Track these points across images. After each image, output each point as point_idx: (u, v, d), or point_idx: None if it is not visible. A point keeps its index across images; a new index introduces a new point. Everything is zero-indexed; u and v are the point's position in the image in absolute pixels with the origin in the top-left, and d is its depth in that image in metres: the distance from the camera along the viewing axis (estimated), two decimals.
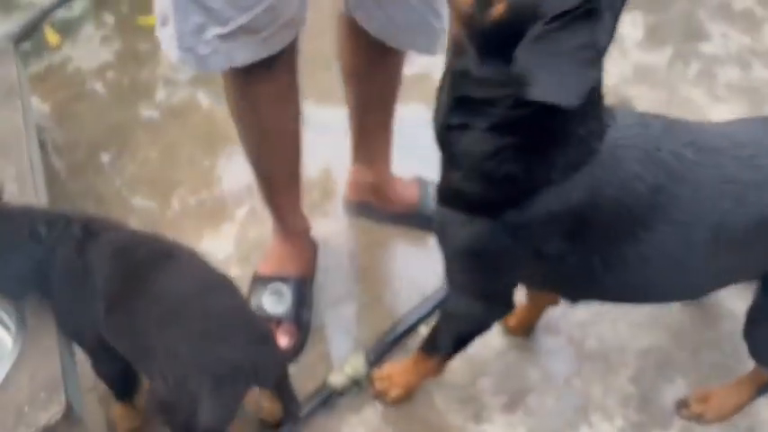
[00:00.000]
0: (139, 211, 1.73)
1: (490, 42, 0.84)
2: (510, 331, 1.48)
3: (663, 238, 0.98)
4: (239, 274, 1.56)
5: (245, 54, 1.10)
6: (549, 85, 0.79)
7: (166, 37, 1.11)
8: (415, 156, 1.81)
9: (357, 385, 1.39)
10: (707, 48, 2.06)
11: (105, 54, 2.13)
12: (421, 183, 1.69)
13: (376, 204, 1.65)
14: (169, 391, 1.02)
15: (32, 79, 2.04)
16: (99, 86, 2.05)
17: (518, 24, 0.79)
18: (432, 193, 1.65)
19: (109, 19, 2.24)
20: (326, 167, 1.80)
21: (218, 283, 1.14)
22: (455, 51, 0.90)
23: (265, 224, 1.54)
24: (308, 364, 1.43)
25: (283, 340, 1.42)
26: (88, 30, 2.23)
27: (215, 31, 1.06)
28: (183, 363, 1.01)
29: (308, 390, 1.38)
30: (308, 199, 1.71)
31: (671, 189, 0.96)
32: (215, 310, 1.06)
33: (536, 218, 0.97)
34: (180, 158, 1.84)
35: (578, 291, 1.15)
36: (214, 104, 1.96)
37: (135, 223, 1.69)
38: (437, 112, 0.99)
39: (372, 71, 1.41)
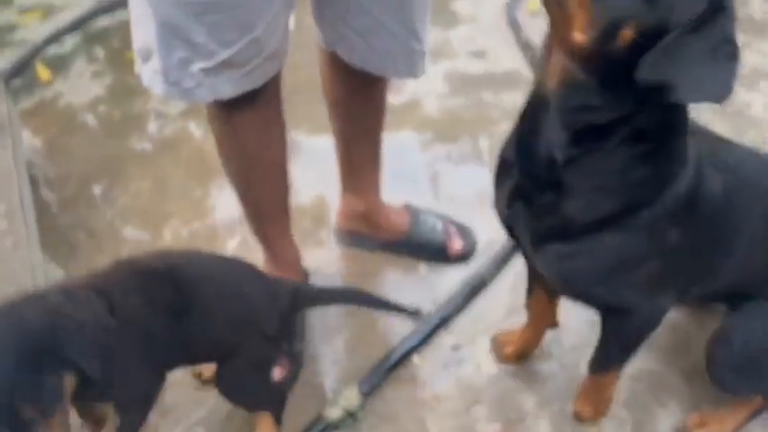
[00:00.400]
0: (131, 242, 1.73)
1: (615, 69, 0.85)
2: (506, 359, 1.47)
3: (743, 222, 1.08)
4: None
5: (229, 87, 1.11)
6: (697, 86, 0.82)
7: (149, 72, 1.12)
8: (406, 182, 1.84)
9: (351, 417, 1.38)
10: None
11: (96, 88, 2.15)
12: (411, 210, 1.70)
13: (367, 233, 1.66)
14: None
15: (24, 114, 2.05)
16: (90, 119, 2.07)
17: (645, 44, 0.81)
18: (422, 219, 1.68)
19: (100, 53, 2.27)
20: (318, 196, 1.81)
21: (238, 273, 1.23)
22: (566, 87, 0.90)
23: (257, 255, 1.54)
24: (302, 396, 1.42)
25: (275, 373, 1.41)
26: (80, 65, 2.25)
27: (199, 65, 1.07)
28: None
29: (302, 422, 1.37)
30: (300, 227, 1.72)
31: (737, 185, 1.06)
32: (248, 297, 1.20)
33: (667, 210, 1.00)
34: (171, 190, 1.85)
35: (698, 281, 1.15)
36: (205, 136, 1.97)
37: (132, 251, 1.68)
38: (535, 154, 0.97)
39: (356, 101, 1.43)
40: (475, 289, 1.58)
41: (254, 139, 1.26)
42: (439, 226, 1.68)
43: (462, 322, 1.54)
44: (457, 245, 1.66)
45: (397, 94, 2.08)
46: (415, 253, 1.66)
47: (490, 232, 1.71)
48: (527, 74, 2.19)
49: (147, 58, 1.11)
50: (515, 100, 2.10)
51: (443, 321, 1.52)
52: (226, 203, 1.78)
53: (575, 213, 0.99)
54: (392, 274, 1.65)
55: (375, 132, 1.51)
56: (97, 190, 1.86)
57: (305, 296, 1.33)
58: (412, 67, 1.27)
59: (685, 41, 0.80)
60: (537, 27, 2.36)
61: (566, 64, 0.89)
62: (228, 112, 1.20)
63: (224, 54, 1.07)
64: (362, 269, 1.66)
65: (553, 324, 1.43)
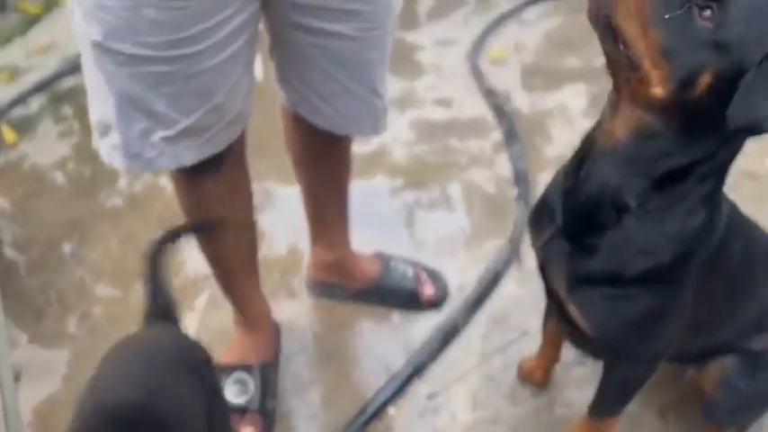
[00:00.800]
0: (103, 300, 1.70)
1: (694, 114, 0.88)
2: (539, 384, 1.49)
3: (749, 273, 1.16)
4: None
5: (191, 154, 1.11)
6: None
7: (108, 147, 1.10)
8: (377, 229, 1.85)
9: None
10: None
11: (63, 148, 2.15)
12: (381, 257, 1.70)
13: (338, 283, 1.65)
14: None
15: None
16: (59, 178, 2.05)
17: (724, 87, 0.84)
18: (393, 266, 1.68)
19: (66, 113, 2.27)
20: (291, 245, 1.81)
21: None
22: (641, 137, 0.93)
23: (226, 311, 1.53)
24: None
25: (248, 431, 1.39)
26: (46, 125, 2.25)
27: (161, 134, 1.06)
28: None
29: None
30: (271, 279, 1.71)
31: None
32: None
33: (705, 260, 1.04)
34: (142, 246, 1.83)
35: (702, 329, 1.19)
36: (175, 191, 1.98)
37: (99, 313, 1.66)
38: (591, 199, 0.99)
39: (321, 158, 1.44)
40: (448, 335, 1.58)
41: (222, 204, 1.25)
42: (410, 272, 1.68)
43: (436, 370, 1.53)
44: (428, 291, 1.66)
45: (365, 144, 2.11)
46: (386, 301, 1.66)
47: (461, 277, 1.73)
48: (491, 120, 2.23)
49: (105, 132, 1.09)
50: (481, 146, 2.14)
51: (417, 370, 1.51)
52: (195, 259, 1.77)
53: (629, 259, 1.01)
54: (365, 324, 1.64)
55: (341, 185, 1.52)
56: (67, 248, 1.84)
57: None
58: (376, 125, 1.28)
59: (764, 76, 0.83)
60: (499, 75, 2.43)
61: (641, 116, 0.91)
62: (194, 179, 1.19)
63: (185, 122, 1.06)
64: (334, 320, 1.65)
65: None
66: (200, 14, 0.97)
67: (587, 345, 1.23)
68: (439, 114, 2.27)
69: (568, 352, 1.53)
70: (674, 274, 1.03)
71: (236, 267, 1.39)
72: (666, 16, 0.85)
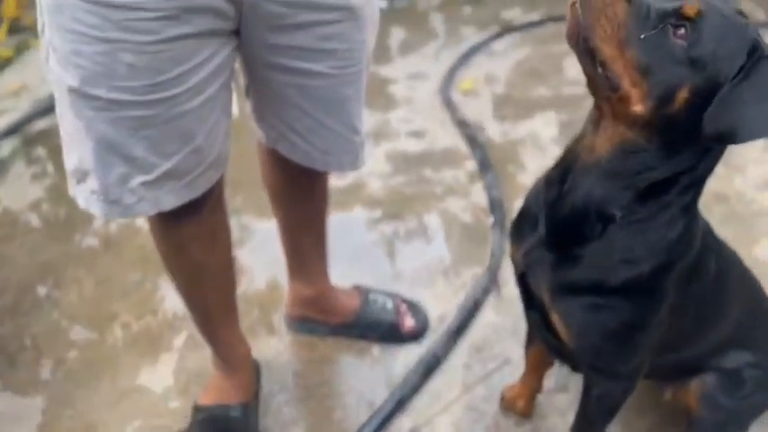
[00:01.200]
0: (79, 343, 1.67)
1: (674, 128, 0.92)
2: (522, 413, 1.48)
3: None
4: (179, 406, 1.51)
5: (171, 198, 1.09)
6: (757, 125, 0.90)
7: (85, 193, 1.09)
8: (355, 262, 1.85)
9: None
10: None
11: (37, 190, 2.12)
12: (360, 290, 1.70)
13: (317, 318, 1.64)
14: None
15: None
16: (33, 220, 2.03)
17: (701, 102, 0.89)
18: (372, 299, 1.68)
19: (39, 156, 2.25)
20: (269, 281, 1.80)
21: None
22: (624, 152, 0.96)
23: (204, 351, 1.51)
24: None
25: None
26: (19, 168, 2.23)
27: (140, 179, 1.05)
28: None
29: None
30: (249, 316, 1.70)
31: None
32: None
33: (686, 271, 1.07)
34: (118, 287, 1.81)
35: (678, 340, 1.21)
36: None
37: (74, 357, 1.63)
38: (575, 210, 1.02)
39: (298, 192, 1.44)
40: (429, 367, 1.57)
41: (201, 249, 1.23)
42: (389, 305, 1.68)
43: (419, 402, 1.52)
44: (408, 323, 1.66)
45: (341, 177, 2.12)
46: (367, 334, 1.65)
47: (441, 307, 1.73)
48: (464, 150, 2.26)
49: (82, 179, 1.07)
50: (456, 175, 2.17)
51: (400, 405, 1.50)
52: (172, 298, 1.75)
53: (612, 269, 1.03)
54: (345, 359, 1.63)
55: (319, 219, 1.52)
56: (41, 292, 1.81)
57: None
58: (354, 160, 1.29)
59: (738, 91, 0.88)
60: (470, 105, 2.47)
61: (622, 132, 0.95)
62: (172, 224, 1.17)
63: (165, 166, 1.05)
64: (315, 356, 1.63)
65: (551, 365, 1.45)
66: (178, 58, 0.98)
67: (568, 357, 1.23)
68: (413, 146, 2.29)
69: (550, 379, 1.53)
70: (655, 284, 1.05)
71: (215, 310, 1.38)
72: (642, 36, 0.89)
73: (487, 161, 2.17)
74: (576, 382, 1.52)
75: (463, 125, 2.34)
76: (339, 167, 1.30)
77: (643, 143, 0.95)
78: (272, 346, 1.65)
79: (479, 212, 2.02)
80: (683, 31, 0.89)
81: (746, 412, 1.33)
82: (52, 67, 1.00)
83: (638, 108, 0.91)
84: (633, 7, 0.89)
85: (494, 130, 2.36)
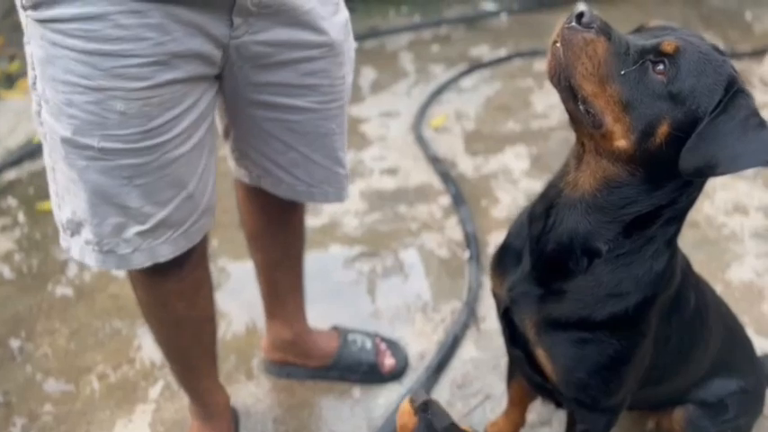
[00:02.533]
0: (54, 397, 1.63)
1: (657, 162, 0.94)
2: None
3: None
4: None
5: (168, 248, 1.09)
6: (736, 157, 0.91)
7: (79, 245, 1.08)
8: (333, 301, 1.84)
9: None
10: None
11: (6, 242, 2.09)
12: (339, 331, 1.69)
13: (296, 362, 1.62)
14: None
15: None
16: (5, 272, 1.99)
17: (681, 135, 0.91)
18: (351, 339, 1.66)
19: (9, 207, 2.22)
20: (247, 325, 1.78)
21: None
22: (608, 187, 0.98)
23: (182, 401, 1.48)
24: None
25: None
26: None
27: (135, 229, 1.05)
28: None
29: None
30: (227, 363, 1.67)
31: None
32: None
33: (671, 297, 1.09)
34: (92, 337, 1.78)
35: (658, 373, 1.20)
36: (126, 278, 1.93)
37: (48, 411, 1.58)
38: (560, 246, 1.03)
39: (276, 232, 1.44)
40: None
41: (184, 304, 1.23)
42: (368, 344, 1.67)
43: None
44: (389, 362, 1.65)
45: (317, 216, 2.13)
46: (346, 376, 1.63)
47: (420, 344, 1.72)
48: (438, 185, 2.29)
49: (76, 230, 1.07)
50: (430, 211, 2.18)
51: None
52: (148, 348, 1.72)
53: (598, 303, 1.04)
54: (325, 402, 1.60)
55: (296, 259, 1.52)
56: (14, 344, 1.77)
57: None
58: (339, 192, 1.30)
59: (716, 124, 0.91)
60: (442, 142, 2.51)
61: (606, 167, 0.97)
62: (157, 280, 1.17)
63: (160, 214, 1.05)
64: (294, 401, 1.61)
65: (533, 399, 1.44)
66: (168, 103, 0.99)
67: (552, 393, 1.23)
68: (387, 183, 2.31)
69: (534, 413, 1.52)
70: (640, 317, 1.06)
71: (195, 361, 1.36)
72: (623, 72, 0.92)
73: (461, 196, 2.19)
74: (559, 416, 1.52)
75: (436, 161, 2.37)
76: (324, 199, 1.31)
77: (627, 177, 0.97)
78: (251, 392, 1.62)
79: (455, 247, 2.03)
80: (661, 66, 0.91)
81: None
82: (45, 119, 1.00)
83: (621, 143, 0.93)
84: (613, 45, 0.92)
85: (466, 165, 2.39)
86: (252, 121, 1.16)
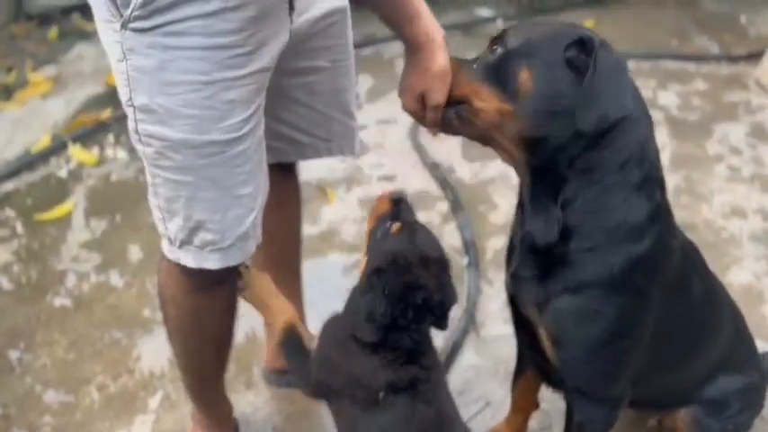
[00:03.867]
0: (53, 409, 1.62)
1: (552, 110, 1.04)
2: None
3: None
4: None
5: (261, 230, 1.15)
6: (618, 101, 1.02)
7: (193, 252, 1.11)
8: (331, 309, 1.83)
9: None
10: None
11: (4, 254, 2.08)
12: None
13: None
14: None
15: None
16: (4, 284, 1.98)
17: (549, 79, 1.04)
18: None
19: (8, 218, 2.22)
20: (247, 334, 1.78)
21: None
22: (528, 153, 1.08)
23: (181, 411, 1.48)
24: None
25: None
26: None
27: (251, 216, 1.11)
28: None
29: None
30: (228, 372, 1.65)
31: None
32: None
33: (669, 281, 1.13)
34: (91, 347, 1.77)
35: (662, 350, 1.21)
36: (124, 288, 1.94)
37: (47, 423, 1.58)
38: (536, 225, 1.09)
39: (274, 224, 1.44)
40: None
41: (216, 321, 1.27)
42: None
43: None
44: None
45: (315, 224, 2.13)
46: None
47: None
48: (436, 192, 2.29)
49: (190, 237, 1.09)
50: (428, 217, 2.18)
51: None
52: (148, 357, 1.72)
53: (581, 257, 1.07)
54: (326, 410, 1.58)
55: (293, 261, 1.53)
56: (13, 356, 1.76)
57: None
58: (352, 146, 1.39)
59: (593, 83, 1.00)
60: (440, 148, 2.51)
61: (520, 157, 1.08)
62: (201, 296, 1.20)
63: (260, 198, 1.12)
64: (295, 409, 1.60)
65: (537, 406, 1.45)
66: (257, 90, 1.05)
67: (558, 381, 1.24)
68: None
69: (533, 419, 1.52)
70: (633, 281, 1.08)
71: (210, 373, 1.38)
72: (474, 66, 1.10)
73: (459, 202, 2.19)
74: (559, 421, 1.51)
75: (434, 167, 2.37)
76: (340, 152, 1.40)
77: (537, 136, 1.05)
78: (251, 401, 1.62)
79: (453, 253, 2.02)
80: (497, 46, 1.08)
81: (734, 430, 1.34)
82: (150, 131, 1.02)
83: (510, 121, 1.05)
84: (463, 64, 1.13)
85: (464, 171, 2.39)
86: (279, 91, 1.22)
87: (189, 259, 1.12)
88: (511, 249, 1.22)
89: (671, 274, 1.12)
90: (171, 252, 1.14)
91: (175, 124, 1.00)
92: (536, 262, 1.12)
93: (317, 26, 1.20)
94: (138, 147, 1.06)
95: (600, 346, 1.11)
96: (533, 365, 1.31)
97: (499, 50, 1.07)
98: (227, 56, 0.98)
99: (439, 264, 1.14)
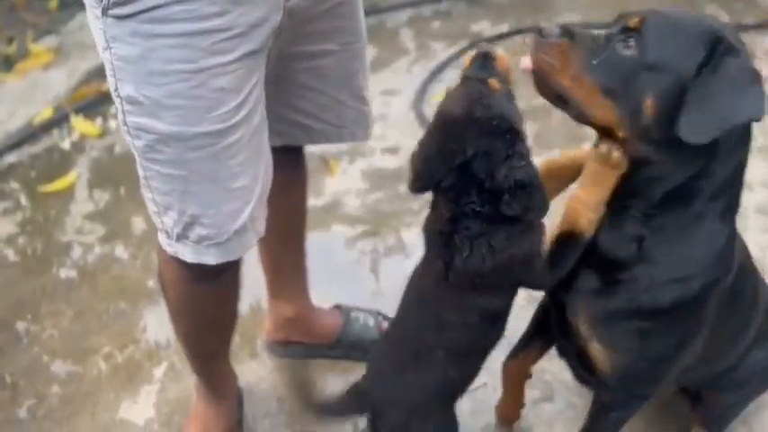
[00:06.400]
0: (61, 378, 1.64)
1: (665, 133, 0.92)
2: (506, 422, 1.49)
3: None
4: None
5: (261, 225, 1.13)
6: (727, 115, 0.89)
7: (190, 246, 1.08)
8: (335, 280, 1.84)
9: None
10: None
11: (9, 225, 2.09)
12: (342, 310, 1.70)
13: (300, 341, 1.63)
14: None
15: None
16: (9, 255, 2.00)
17: (671, 102, 0.89)
18: (354, 317, 1.67)
19: (10, 190, 2.22)
20: (251, 306, 1.78)
21: None
22: (634, 169, 0.97)
23: (186, 381, 1.49)
24: None
25: None
26: None
27: (247, 210, 1.06)
28: None
29: None
30: (232, 343, 1.68)
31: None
32: None
33: (730, 281, 1.07)
34: (97, 318, 1.79)
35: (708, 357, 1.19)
36: (130, 260, 1.95)
37: (55, 392, 1.60)
38: (614, 237, 1.02)
39: (277, 203, 1.43)
40: None
41: (218, 305, 1.26)
42: (371, 322, 1.67)
43: None
44: None
45: (318, 197, 2.12)
46: (350, 354, 1.64)
47: None
48: None
49: (185, 231, 1.06)
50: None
51: None
52: (153, 328, 1.73)
53: (662, 288, 1.01)
54: (329, 381, 1.61)
55: (298, 233, 1.53)
56: (20, 327, 1.78)
57: None
58: (365, 130, 1.35)
59: (705, 85, 0.89)
60: None
61: (627, 152, 0.96)
62: (201, 283, 1.18)
63: (257, 189, 1.08)
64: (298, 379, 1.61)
65: (529, 376, 1.44)
66: (248, 75, 1.00)
67: (596, 383, 1.20)
68: (388, 162, 2.30)
69: (536, 390, 1.53)
70: (703, 302, 1.04)
71: (214, 350, 1.39)
72: (594, 62, 0.91)
73: None
74: (561, 391, 1.53)
75: None
76: (351, 138, 1.36)
77: (647, 156, 0.96)
78: (255, 371, 1.64)
79: None
80: (631, 41, 0.91)
81: (749, 397, 1.37)
82: (138, 124, 0.98)
83: (619, 132, 0.93)
84: (578, 42, 0.93)
85: None
86: (286, 76, 1.19)
87: (187, 254, 1.09)
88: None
89: (730, 284, 1.08)
90: (169, 246, 1.11)
91: (163, 116, 0.96)
92: (600, 275, 1.05)
93: (321, 6, 1.13)
94: (128, 139, 1.02)
95: (659, 358, 1.08)
96: (568, 364, 1.26)
97: (632, 53, 0.91)
98: (213, 41, 0.94)
99: (491, 126, 0.98)
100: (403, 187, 2.19)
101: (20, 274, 1.94)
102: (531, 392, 1.53)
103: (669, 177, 0.97)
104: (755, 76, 0.91)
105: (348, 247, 1.97)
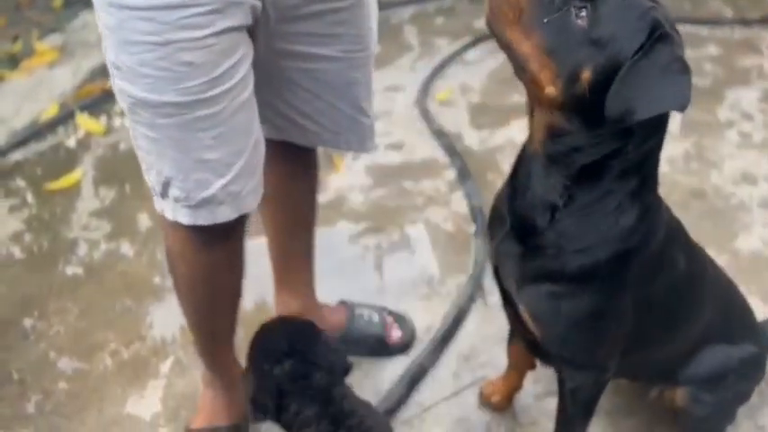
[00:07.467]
0: (67, 374, 1.65)
1: (589, 110, 0.94)
2: (495, 407, 1.50)
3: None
4: None
5: (251, 199, 1.15)
6: (655, 100, 0.92)
7: (170, 204, 1.13)
8: (340, 276, 1.85)
9: None
10: None
11: (16, 222, 2.10)
12: (346, 305, 1.70)
13: None
14: None
15: None
16: (15, 252, 2.01)
17: (606, 81, 0.91)
18: (358, 313, 1.68)
19: (17, 187, 2.24)
20: (256, 301, 1.79)
21: None
22: (553, 137, 1.00)
23: (192, 375, 1.50)
24: None
25: None
26: None
27: (219, 182, 1.09)
28: None
29: None
30: (237, 337, 1.68)
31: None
32: None
33: (648, 260, 1.09)
34: (103, 315, 1.80)
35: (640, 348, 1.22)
36: (136, 257, 1.96)
37: (62, 388, 1.61)
38: (531, 202, 1.06)
39: (286, 194, 1.46)
40: (416, 378, 1.57)
41: (225, 275, 1.28)
42: (375, 318, 1.68)
43: (408, 414, 1.52)
44: (395, 335, 1.66)
45: (322, 193, 2.12)
46: (354, 349, 1.64)
47: (427, 317, 1.73)
48: (443, 159, 2.28)
49: (164, 191, 1.11)
50: (436, 186, 2.18)
51: (387, 415, 1.49)
52: (159, 324, 1.74)
53: (568, 258, 1.06)
54: None
55: (307, 227, 1.53)
56: (27, 324, 1.79)
57: None
58: (363, 142, 1.34)
59: (637, 68, 0.91)
60: (447, 115, 2.49)
61: (548, 117, 0.99)
62: (207, 248, 1.20)
63: (238, 164, 1.10)
64: None
65: (532, 366, 1.46)
66: (227, 51, 1.02)
67: (544, 352, 1.24)
68: (393, 158, 2.30)
69: (540, 383, 1.54)
70: (614, 272, 1.07)
71: (222, 333, 1.40)
72: (546, 20, 0.93)
73: (466, 170, 2.18)
74: None
75: (441, 135, 2.36)
76: (348, 147, 1.36)
77: (565, 126, 0.98)
78: None
79: (461, 221, 2.03)
80: (584, 12, 0.92)
81: (733, 401, 1.36)
82: (121, 87, 1.04)
83: (549, 90, 0.95)
84: None
85: (472, 139, 2.38)
86: (279, 71, 1.19)
87: (168, 212, 1.14)
88: (493, 216, 1.20)
89: (653, 256, 1.10)
90: (157, 203, 1.16)
91: (137, 82, 1.02)
92: (520, 240, 1.10)
93: (313, 7, 1.13)
94: (118, 99, 1.08)
95: (579, 326, 1.11)
96: (522, 340, 1.31)
97: (582, 23, 0.91)
98: (180, 16, 0.97)
99: None
100: (407, 183, 2.20)
101: (26, 271, 1.95)
102: (535, 387, 1.53)
103: (587, 151, 0.99)
104: (684, 67, 0.92)
105: (352, 243, 1.98)
